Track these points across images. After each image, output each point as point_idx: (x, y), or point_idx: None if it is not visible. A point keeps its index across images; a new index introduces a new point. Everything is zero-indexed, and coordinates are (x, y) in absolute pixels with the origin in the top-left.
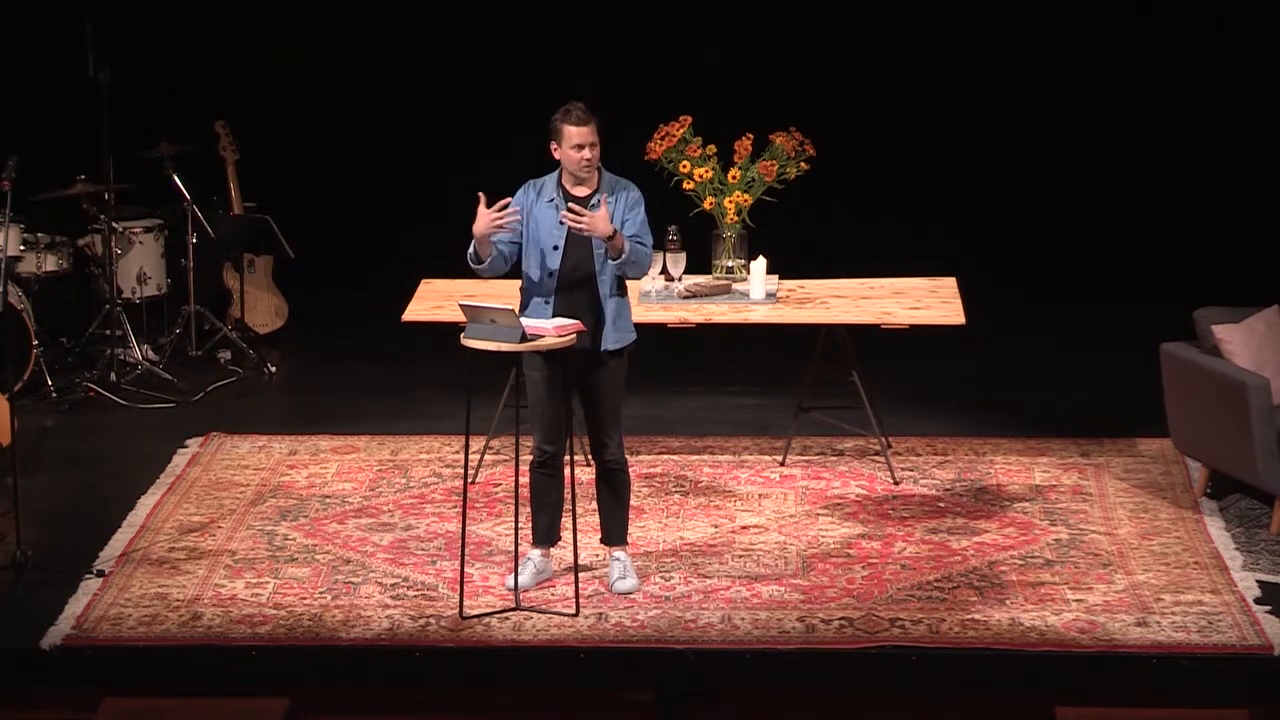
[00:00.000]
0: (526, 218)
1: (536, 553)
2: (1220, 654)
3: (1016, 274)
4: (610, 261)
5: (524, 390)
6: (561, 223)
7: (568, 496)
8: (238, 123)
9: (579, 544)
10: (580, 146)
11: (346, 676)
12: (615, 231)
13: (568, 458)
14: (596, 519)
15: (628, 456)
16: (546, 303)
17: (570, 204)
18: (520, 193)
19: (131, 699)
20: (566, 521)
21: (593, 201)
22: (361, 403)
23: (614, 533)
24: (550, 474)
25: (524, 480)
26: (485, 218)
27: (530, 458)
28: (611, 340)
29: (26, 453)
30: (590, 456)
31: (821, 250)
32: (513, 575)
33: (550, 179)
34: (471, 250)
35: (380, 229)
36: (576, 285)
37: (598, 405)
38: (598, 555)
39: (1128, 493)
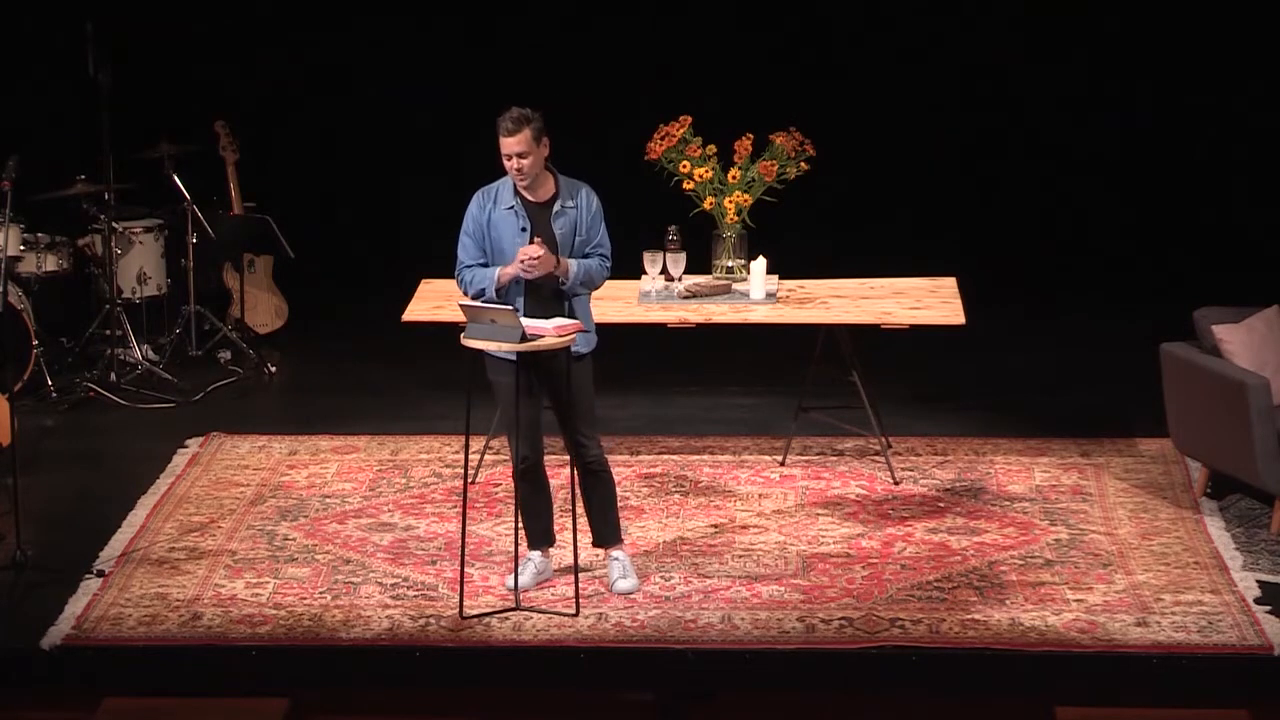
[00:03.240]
0: (486, 226)
1: (536, 553)
2: (1220, 654)
3: (1016, 274)
4: (561, 286)
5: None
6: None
7: (564, 497)
8: (238, 123)
9: (579, 544)
10: (509, 156)
11: (346, 676)
12: (557, 261)
13: (564, 457)
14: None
15: (628, 456)
16: (515, 310)
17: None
18: (474, 205)
19: (131, 699)
20: (565, 521)
21: (555, 210)
22: (361, 403)
23: (608, 534)
24: (535, 481)
25: None
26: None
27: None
28: (583, 343)
29: (26, 453)
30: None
31: (821, 250)
32: (513, 575)
33: (505, 184)
34: (491, 291)
35: (380, 229)
36: (543, 290)
37: (572, 409)
38: (598, 555)
39: (1128, 493)
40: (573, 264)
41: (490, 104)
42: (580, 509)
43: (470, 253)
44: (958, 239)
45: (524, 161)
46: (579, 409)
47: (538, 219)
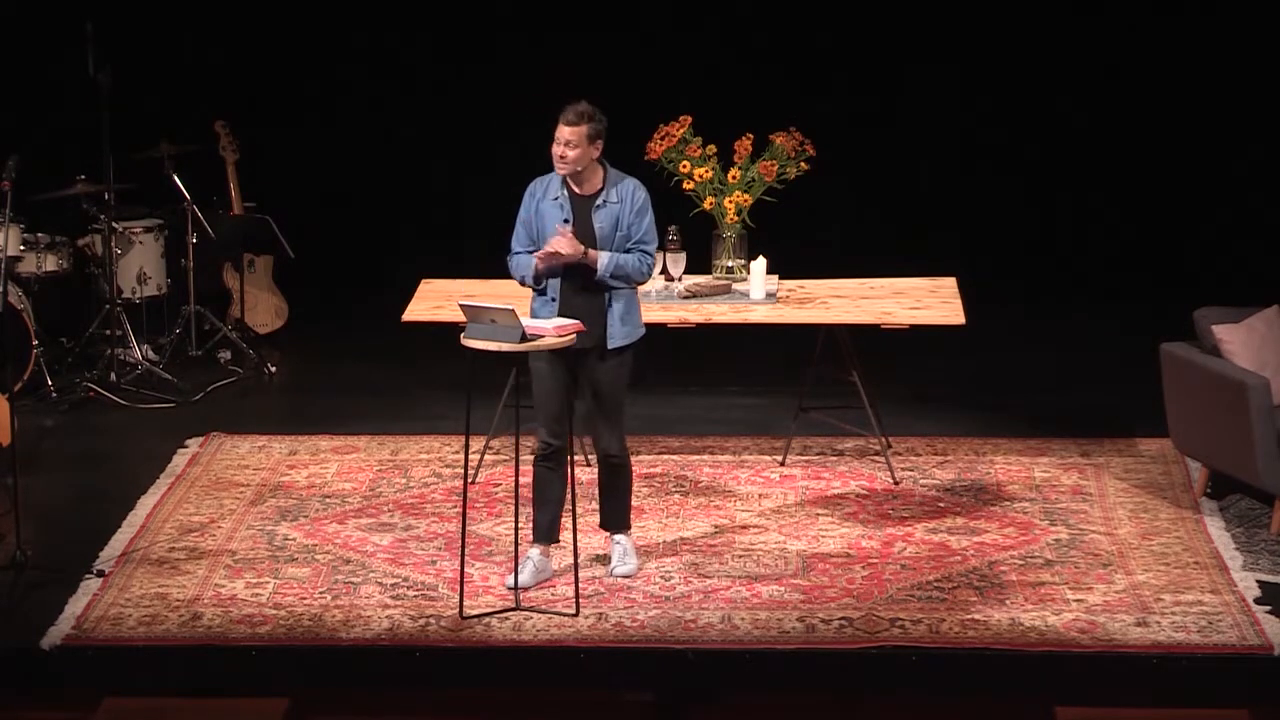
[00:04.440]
0: (534, 215)
1: (536, 552)
2: (1220, 654)
3: (1016, 274)
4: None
5: (526, 389)
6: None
7: (568, 495)
8: (238, 123)
9: (579, 544)
10: (558, 142)
11: (346, 676)
12: (585, 252)
13: (569, 456)
14: (597, 519)
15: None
16: (553, 300)
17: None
18: (527, 193)
19: (131, 699)
20: (566, 521)
21: (597, 203)
22: (361, 403)
23: (616, 520)
24: (553, 468)
25: (525, 480)
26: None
27: (532, 454)
28: (620, 337)
29: (26, 453)
30: (593, 452)
31: (821, 250)
32: (513, 575)
33: (556, 176)
34: (529, 278)
35: (380, 229)
36: (582, 281)
37: (601, 402)
38: (598, 555)
39: (1128, 493)
40: (604, 255)
41: (490, 104)
42: (580, 509)
43: (521, 240)
44: (958, 239)
45: (570, 152)
46: (608, 405)
47: (580, 211)
